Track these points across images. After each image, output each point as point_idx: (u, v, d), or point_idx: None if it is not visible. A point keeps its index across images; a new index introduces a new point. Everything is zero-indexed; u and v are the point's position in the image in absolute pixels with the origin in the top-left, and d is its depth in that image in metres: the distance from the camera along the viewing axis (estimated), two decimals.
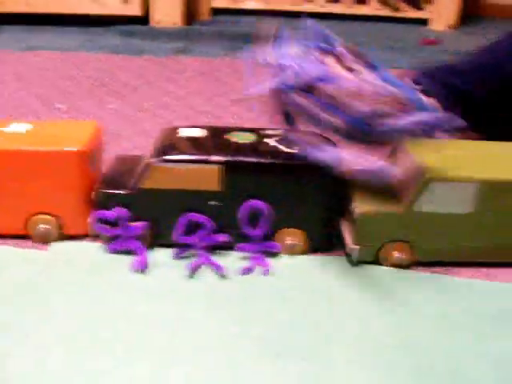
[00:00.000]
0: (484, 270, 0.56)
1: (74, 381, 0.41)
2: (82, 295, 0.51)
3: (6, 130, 0.58)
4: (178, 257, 0.56)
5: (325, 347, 0.46)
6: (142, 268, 0.54)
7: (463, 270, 0.56)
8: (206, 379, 0.42)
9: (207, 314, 0.49)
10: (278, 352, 0.45)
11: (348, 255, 0.56)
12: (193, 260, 0.55)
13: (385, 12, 1.82)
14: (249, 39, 0.52)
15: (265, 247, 0.57)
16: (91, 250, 0.57)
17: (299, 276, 0.55)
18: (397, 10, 1.72)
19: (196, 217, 0.55)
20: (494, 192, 0.53)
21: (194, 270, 0.54)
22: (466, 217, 0.54)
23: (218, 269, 0.54)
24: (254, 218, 0.56)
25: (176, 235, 0.56)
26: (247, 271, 0.55)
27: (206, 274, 0.54)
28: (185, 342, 0.45)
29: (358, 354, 0.45)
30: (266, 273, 0.54)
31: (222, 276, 0.54)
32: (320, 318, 0.49)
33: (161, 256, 0.56)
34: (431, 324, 0.49)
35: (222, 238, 0.56)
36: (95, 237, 0.58)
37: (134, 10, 1.61)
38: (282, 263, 0.56)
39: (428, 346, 0.46)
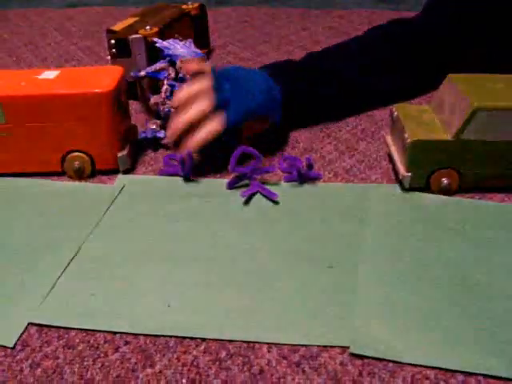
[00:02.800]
0: None
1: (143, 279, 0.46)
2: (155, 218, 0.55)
3: (40, 77, 0.61)
4: (231, 186, 0.59)
5: (356, 257, 0.49)
6: None
7: (497, 196, 0.57)
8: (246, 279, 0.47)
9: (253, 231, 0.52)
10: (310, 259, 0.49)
11: (400, 182, 0.58)
12: (246, 188, 0.58)
13: None
14: None
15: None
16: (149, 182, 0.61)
17: (339, 199, 0.57)
18: None
19: (248, 149, 0.58)
20: None
21: (249, 197, 0.57)
22: (509, 144, 0.55)
23: (271, 195, 0.57)
24: None
25: (230, 167, 0.59)
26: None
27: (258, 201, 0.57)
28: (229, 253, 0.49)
29: (391, 263, 0.48)
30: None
31: (275, 202, 0.57)
32: (355, 234, 0.52)
33: (217, 186, 0.60)
34: (468, 242, 0.50)
35: (272, 169, 0.60)
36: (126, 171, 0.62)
37: None
38: (324, 187, 0.59)
39: (463, 259, 0.48)
